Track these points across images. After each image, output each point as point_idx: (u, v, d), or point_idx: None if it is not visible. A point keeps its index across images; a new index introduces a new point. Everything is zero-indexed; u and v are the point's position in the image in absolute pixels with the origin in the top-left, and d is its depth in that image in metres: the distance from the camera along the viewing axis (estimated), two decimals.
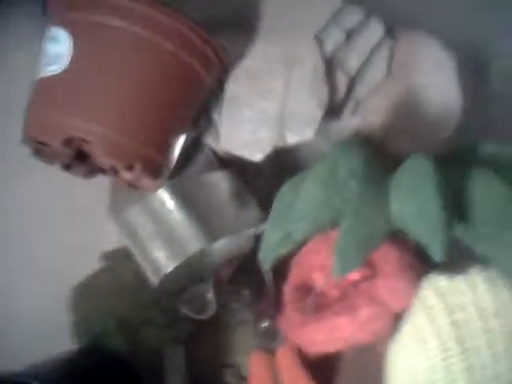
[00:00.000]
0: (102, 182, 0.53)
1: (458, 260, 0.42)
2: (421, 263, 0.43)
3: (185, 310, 0.48)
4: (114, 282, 0.52)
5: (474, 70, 0.62)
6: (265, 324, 0.49)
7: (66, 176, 0.50)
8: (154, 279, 0.46)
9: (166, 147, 0.48)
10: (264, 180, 0.53)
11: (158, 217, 0.46)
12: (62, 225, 0.58)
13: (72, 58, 0.44)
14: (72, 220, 0.58)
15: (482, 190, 0.42)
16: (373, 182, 0.42)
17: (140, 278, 0.50)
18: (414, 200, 0.40)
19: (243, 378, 0.49)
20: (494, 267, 0.41)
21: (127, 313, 0.50)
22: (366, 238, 0.40)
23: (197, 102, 0.51)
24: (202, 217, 0.46)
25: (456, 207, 0.41)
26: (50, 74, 0.45)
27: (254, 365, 0.47)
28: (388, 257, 0.42)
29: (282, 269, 0.50)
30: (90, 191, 0.55)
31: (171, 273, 0.46)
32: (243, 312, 0.50)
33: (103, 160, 0.46)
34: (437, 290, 0.41)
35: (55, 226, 0.58)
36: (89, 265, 0.54)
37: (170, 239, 0.46)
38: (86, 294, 0.52)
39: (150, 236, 0.46)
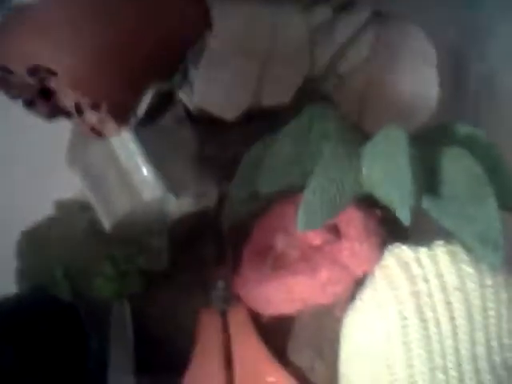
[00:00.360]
0: (62, 131, 0.51)
1: (423, 232, 0.42)
2: (385, 232, 0.42)
3: (136, 260, 0.46)
4: (66, 231, 0.50)
5: (453, 67, 0.63)
6: (221, 284, 0.47)
7: (24, 121, 0.48)
8: (107, 223, 0.45)
9: (136, 92, 0.46)
10: (235, 143, 0.52)
11: (118, 159, 0.44)
12: (17, 170, 0.56)
13: None
14: (27, 166, 0.56)
15: (453, 167, 0.42)
16: (345, 146, 0.42)
17: (93, 229, 0.48)
18: (385, 165, 0.40)
19: (192, 339, 0.47)
20: (457, 241, 0.40)
21: (76, 263, 0.48)
22: (333, 196, 0.39)
23: (174, 53, 0.50)
24: (164, 166, 0.44)
25: (426, 181, 0.41)
26: (25, 1, 0.43)
27: (203, 325, 0.46)
28: (354, 221, 0.42)
29: (244, 231, 0.48)
30: (49, 138, 0.53)
31: (125, 218, 0.44)
32: (198, 270, 0.48)
33: (68, 95, 0.44)
34: (400, 259, 0.41)
35: (10, 171, 0.56)
36: (42, 213, 0.52)
37: (128, 183, 0.44)
38: (34, 241, 0.50)
39: (108, 178, 0.45)
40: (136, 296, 0.49)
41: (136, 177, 0.44)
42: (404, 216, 0.37)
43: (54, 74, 0.42)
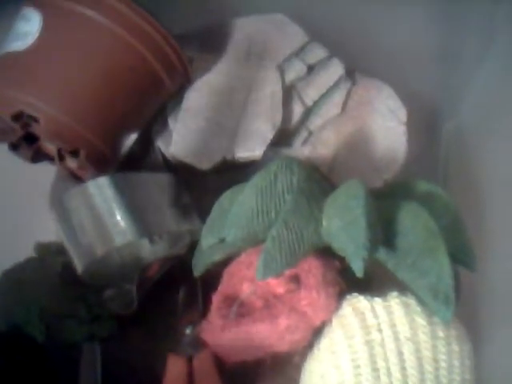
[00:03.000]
0: (45, 174, 0.54)
1: (381, 283, 0.44)
2: (344, 282, 0.44)
3: (107, 304, 0.48)
4: (42, 272, 0.51)
5: (425, 125, 0.65)
6: (189, 330, 0.49)
7: (8, 162, 0.50)
8: (79, 266, 0.46)
9: (115, 140, 0.49)
10: (209, 191, 0.54)
11: (93, 203, 0.46)
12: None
13: (38, 38, 0.46)
14: (9, 208, 0.57)
15: (410, 221, 0.44)
16: (308, 198, 0.44)
17: (67, 272, 0.50)
18: (342, 217, 0.42)
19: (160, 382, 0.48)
20: (411, 294, 0.42)
21: (51, 304, 0.49)
22: (292, 246, 0.41)
23: (154, 104, 0.53)
24: (138, 211, 0.46)
25: (383, 234, 0.43)
26: (13, 49, 0.46)
27: (169, 368, 0.47)
28: (313, 271, 0.44)
29: (213, 278, 0.50)
30: (32, 180, 0.55)
31: (97, 262, 0.46)
32: (168, 315, 0.50)
33: (49, 140, 0.46)
34: (356, 309, 0.42)
35: None
36: (21, 255, 0.53)
37: (101, 227, 0.46)
38: (11, 280, 0.52)
39: (82, 221, 0.46)
40: (106, 339, 0.50)
41: (110, 221, 0.46)
42: (357, 267, 0.39)
43: (36, 121, 0.45)
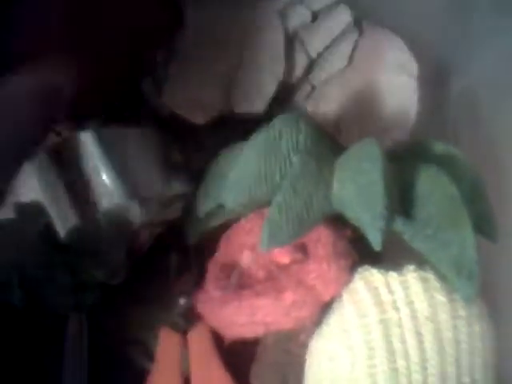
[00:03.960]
0: None
1: (394, 255, 0.40)
2: (356, 253, 0.40)
3: (93, 272, 0.43)
4: (21, 235, 0.47)
5: (436, 82, 0.61)
6: (183, 300, 0.45)
7: None
8: (61, 231, 0.42)
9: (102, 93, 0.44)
10: (204, 149, 0.49)
11: (75, 162, 0.41)
12: None
13: None
14: None
15: (429, 188, 0.39)
16: (317, 159, 0.39)
17: (50, 235, 0.44)
18: (356, 182, 0.37)
19: (151, 357, 0.44)
20: (430, 266, 0.38)
21: (32, 269, 0.45)
22: (300, 213, 0.36)
23: (146, 54, 0.47)
24: (126, 171, 0.41)
25: (399, 201, 0.39)
26: None
27: (163, 342, 0.43)
28: (322, 241, 0.39)
29: (210, 245, 0.46)
30: None
31: (81, 225, 0.41)
32: (159, 285, 0.45)
33: None
34: (369, 283, 0.38)
35: None
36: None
37: (85, 189, 0.41)
38: None
39: (65, 183, 0.41)
40: (94, 308, 0.46)
41: (95, 182, 0.41)
42: (374, 240, 0.35)
43: None
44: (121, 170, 0.41)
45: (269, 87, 0.49)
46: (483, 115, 0.58)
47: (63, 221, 0.42)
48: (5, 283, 0.44)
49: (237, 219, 0.45)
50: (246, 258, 0.42)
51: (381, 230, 0.35)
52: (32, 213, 0.47)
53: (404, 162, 0.42)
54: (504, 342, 0.41)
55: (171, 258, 0.47)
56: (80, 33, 0.43)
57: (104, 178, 0.41)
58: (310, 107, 0.53)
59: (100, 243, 0.45)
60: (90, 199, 0.41)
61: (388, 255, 0.41)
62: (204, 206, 0.43)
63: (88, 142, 0.41)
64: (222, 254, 0.44)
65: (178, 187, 0.44)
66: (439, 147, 0.44)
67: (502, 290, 0.46)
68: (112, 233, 0.45)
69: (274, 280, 0.40)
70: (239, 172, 0.40)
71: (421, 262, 0.39)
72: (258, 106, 0.48)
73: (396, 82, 0.54)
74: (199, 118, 0.47)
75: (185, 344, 0.43)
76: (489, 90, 0.58)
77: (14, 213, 0.49)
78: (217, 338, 0.42)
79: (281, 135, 0.40)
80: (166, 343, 0.43)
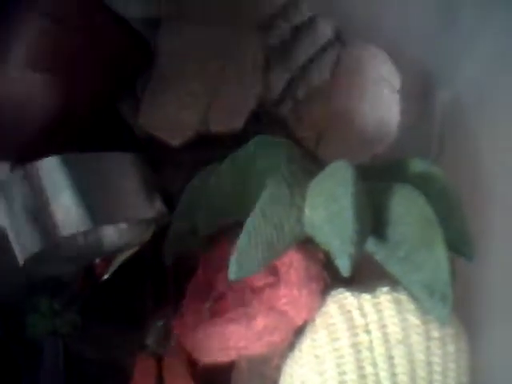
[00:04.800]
0: None
1: (368, 275, 0.39)
2: (329, 276, 0.39)
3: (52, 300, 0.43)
4: (2, 260, 0.47)
5: (421, 95, 0.60)
6: (159, 324, 0.44)
7: None
8: (20, 258, 0.41)
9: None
10: (182, 169, 0.49)
11: (39, 188, 0.40)
12: None
13: None
14: None
15: (403, 208, 0.39)
16: (290, 183, 0.39)
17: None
18: (327, 208, 0.37)
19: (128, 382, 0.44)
20: (403, 288, 0.38)
21: (9, 296, 0.45)
22: (270, 239, 0.36)
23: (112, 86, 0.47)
24: (91, 197, 0.40)
25: (372, 222, 0.38)
26: None
27: (139, 367, 0.43)
28: (294, 265, 0.39)
29: (187, 268, 0.46)
30: None
31: (41, 254, 0.40)
32: (136, 308, 0.45)
33: None
34: (342, 307, 0.38)
35: None
36: None
37: (47, 214, 0.40)
38: None
39: (26, 207, 0.40)
40: (69, 334, 0.46)
41: (57, 208, 0.40)
42: (343, 266, 0.35)
43: None
44: (86, 196, 0.40)
45: (247, 104, 0.49)
46: (469, 127, 0.58)
47: (22, 247, 0.41)
48: None
49: (214, 241, 0.44)
50: (220, 282, 0.42)
51: (350, 255, 0.34)
52: (4, 238, 0.47)
53: (380, 180, 0.42)
54: (480, 357, 0.40)
55: (148, 281, 0.46)
56: (55, 60, 0.43)
57: (67, 205, 0.40)
58: (291, 123, 0.52)
59: (62, 270, 0.45)
60: (52, 225, 0.40)
61: (361, 275, 0.40)
62: (179, 227, 0.43)
63: (52, 167, 0.40)
64: (198, 277, 0.44)
65: (151, 212, 0.44)
66: (417, 165, 0.44)
67: (477, 306, 0.46)
68: (79, 258, 0.45)
69: (246, 305, 0.39)
70: (212, 194, 0.40)
71: (395, 282, 0.39)
72: (236, 123, 0.48)
73: (378, 96, 0.54)
74: (176, 139, 0.47)
75: (160, 368, 0.42)
76: (474, 101, 0.58)
77: None
78: (192, 363, 0.41)
79: (255, 158, 0.40)
80: (141, 368, 0.43)
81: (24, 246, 0.40)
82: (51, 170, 0.40)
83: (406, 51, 0.56)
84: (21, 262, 0.41)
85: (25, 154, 0.42)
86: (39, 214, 0.40)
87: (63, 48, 0.42)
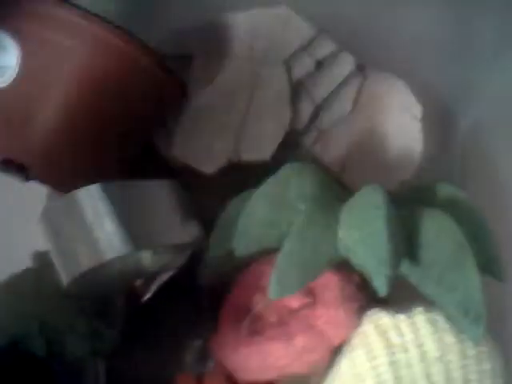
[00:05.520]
0: None
1: (402, 298, 0.40)
2: (364, 297, 0.41)
3: (93, 321, 0.45)
4: (40, 284, 0.48)
5: (443, 122, 0.62)
6: (197, 344, 0.45)
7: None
8: (64, 281, 0.42)
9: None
10: (214, 197, 0.51)
11: (82, 214, 0.42)
12: None
13: (17, 74, 0.42)
14: (4, 216, 0.55)
15: (434, 232, 0.40)
16: (323, 207, 0.40)
17: None
18: (361, 230, 0.38)
19: None
20: (438, 309, 0.39)
21: (51, 317, 0.46)
22: (308, 261, 0.38)
23: (149, 124, 0.49)
24: (131, 223, 0.42)
25: (405, 245, 0.40)
26: None
27: None
28: (330, 286, 0.40)
29: (222, 289, 0.47)
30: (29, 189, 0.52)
31: (84, 276, 0.42)
32: (174, 329, 0.46)
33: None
34: (378, 327, 0.39)
35: None
36: (18, 265, 0.50)
37: (89, 240, 0.41)
38: (8, 293, 0.48)
39: (70, 234, 0.42)
40: (110, 354, 0.47)
41: (99, 234, 0.42)
42: (380, 287, 0.36)
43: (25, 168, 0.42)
44: (126, 223, 0.42)
45: (276, 135, 0.51)
46: (491, 153, 0.59)
47: (66, 272, 0.42)
48: (26, 333, 0.46)
49: (248, 263, 0.46)
50: (257, 303, 0.43)
51: (386, 276, 0.36)
52: (51, 262, 0.49)
53: (410, 205, 0.43)
54: None
55: (186, 303, 0.48)
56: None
57: (108, 231, 0.41)
58: (317, 151, 0.54)
59: (103, 292, 0.47)
60: (94, 251, 0.42)
61: (396, 296, 0.41)
62: (214, 252, 0.44)
63: (93, 194, 0.42)
64: (234, 297, 0.45)
65: (188, 236, 0.45)
66: (445, 190, 0.45)
67: (509, 325, 0.46)
68: (120, 280, 0.46)
69: (284, 325, 0.40)
70: (248, 220, 0.42)
71: (429, 303, 0.40)
72: (266, 153, 0.50)
73: (400, 124, 0.56)
74: (209, 168, 0.49)
75: None
76: (496, 127, 0.59)
77: (32, 262, 0.50)
78: (232, 381, 0.42)
79: (288, 184, 0.42)
80: None
81: (68, 269, 0.42)
82: (93, 197, 0.42)
83: (424, 80, 0.58)
84: (64, 284, 0.42)
85: (68, 181, 0.44)
86: (82, 238, 0.41)
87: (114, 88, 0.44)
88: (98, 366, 0.46)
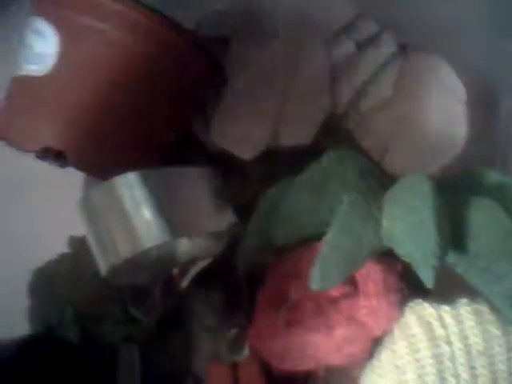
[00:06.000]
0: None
1: (447, 288, 0.39)
2: (407, 287, 0.40)
3: (130, 309, 0.45)
4: (76, 270, 0.49)
5: (485, 104, 0.60)
6: (233, 332, 0.45)
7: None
8: (103, 269, 0.42)
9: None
10: (251, 183, 0.50)
11: (120, 202, 0.42)
12: (33, 204, 0.55)
13: (56, 61, 0.42)
14: (43, 201, 0.55)
15: (481, 220, 0.39)
16: (365, 196, 0.40)
17: None
18: (406, 220, 0.37)
19: None
20: (484, 300, 0.38)
21: (86, 304, 0.47)
22: (351, 252, 0.37)
23: (187, 106, 0.49)
24: (169, 211, 0.41)
25: (451, 234, 0.39)
26: (31, 73, 0.43)
27: (212, 376, 0.44)
28: (372, 276, 0.39)
29: (259, 276, 0.46)
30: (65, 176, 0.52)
31: (123, 265, 0.42)
32: (209, 317, 0.46)
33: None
34: (421, 318, 0.38)
35: (25, 206, 0.55)
36: (55, 250, 0.50)
37: (128, 228, 0.41)
38: (44, 279, 0.49)
39: (108, 221, 0.42)
40: (145, 341, 0.47)
41: (138, 222, 0.42)
42: (427, 278, 0.35)
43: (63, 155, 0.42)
44: (164, 211, 0.41)
45: (315, 119, 0.50)
46: None
47: (105, 261, 0.42)
48: (61, 320, 0.46)
49: (285, 251, 0.45)
50: (294, 291, 0.43)
51: (433, 267, 0.35)
52: (86, 247, 0.49)
53: (456, 193, 0.42)
54: None
55: (221, 290, 0.47)
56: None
57: (147, 218, 0.41)
58: (357, 135, 0.53)
59: (141, 280, 0.46)
60: (133, 240, 0.41)
61: (440, 286, 0.40)
62: (254, 241, 0.44)
63: (131, 182, 0.42)
64: (271, 285, 0.45)
65: (227, 222, 0.45)
66: (491, 177, 0.44)
67: None
68: (156, 268, 0.46)
69: (324, 315, 0.40)
70: (289, 209, 0.41)
71: (474, 294, 0.39)
72: (305, 138, 0.49)
73: (443, 107, 0.54)
74: (247, 154, 0.48)
75: (234, 377, 0.43)
76: None
77: (69, 247, 0.51)
78: (268, 370, 0.42)
79: (330, 173, 0.41)
80: (215, 376, 0.43)
81: (107, 257, 0.42)
82: (131, 185, 0.42)
83: (468, 61, 0.56)
84: (103, 272, 0.42)
85: (106, 168, 0.44)
86: (121, 226, 0.41)
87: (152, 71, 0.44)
88: (133, 354, 0.46)
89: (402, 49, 0.55)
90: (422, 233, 0.35)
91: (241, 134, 0.49)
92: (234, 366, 0.44)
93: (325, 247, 0.37)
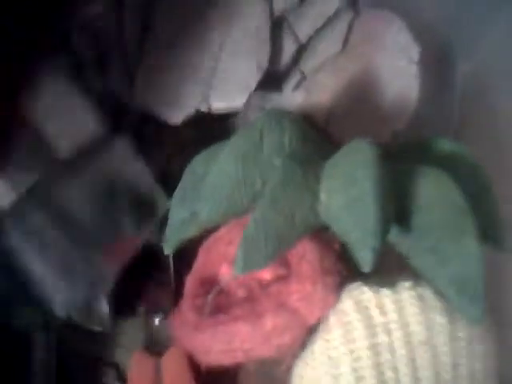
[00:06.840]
0: None
1: (388, 270, 0.35)
2: (345, 269, 0.35)
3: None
4: None
5: (439, 67, 0.56)
6: (157, 318, 0.41)
7: None
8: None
9: None
10: (179, 150, 0.45)
11: None
12: None
13: None
14: None
15: (430, 193, 0.35)
16: (303, 164, 0.35)
17: None
18: (346, 193, 0.33)
19: (124, 380, 0.41)
20: (427, 283, 0.34)
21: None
22: (281, 229, 0.32)
23: None
24: None
25: (395, 209, 0.34)
26: None
27: (135, 367, 0.39)
28: (307, 257, 0.35)
29: (188, 256, 0.42)
30: None
31: None
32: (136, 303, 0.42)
33: None
34: (359, 303, 0.34)
35: None
36: None
37: None
38: None
39: None
40: (62, 326, 0.42)
41: None
42: (364, 259, 0.31)
43: None
44: None
45: (251, 78, 0.45)
46: (489, 99, 0.53)
47: None
48: None
49: (216, 227, 0.40)
50: (225, 272, 0.38)
51: (372, 249, 0.30)
52: None
53: (404, 162, 0.37)
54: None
55: (149, 272, 0.43)
56: None
57: None
58: (299, 97, 0.48)
59: None
60: None
61: (381, 268, 0.36)
62: (178, 215, 0.39)
63: None
64: (199, 268, 0.40)
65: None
66: (444, 145, 0.40)
67: (509, 300, 0.42)
68: None
69: (253, 301, 0.35)
70: (215, 179, 0.36)
71: (417, 276, 0.35)
72: (238, 100, 0.43)
73: (395, 68, 0.49)
74: (176, 118, 0.43)
75: (159, 368, 0.39)
76: (497, 73, 0.54)
77: None
78: (193, 363, 0.38)
79: (262, 136, 0.36)
80: (139, 367, 0.39)
81: None
82: None
83: (424, 20, 0.52)
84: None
85: None
86: None
87: None
88: (49, 340, 0.42)
89: (353, 3, 0.50)
90: (362, 208, 0.31)
91: (168, 95, 0.44)
92: (159, 357, 0.40)
93: (251, 224, 0.32)
